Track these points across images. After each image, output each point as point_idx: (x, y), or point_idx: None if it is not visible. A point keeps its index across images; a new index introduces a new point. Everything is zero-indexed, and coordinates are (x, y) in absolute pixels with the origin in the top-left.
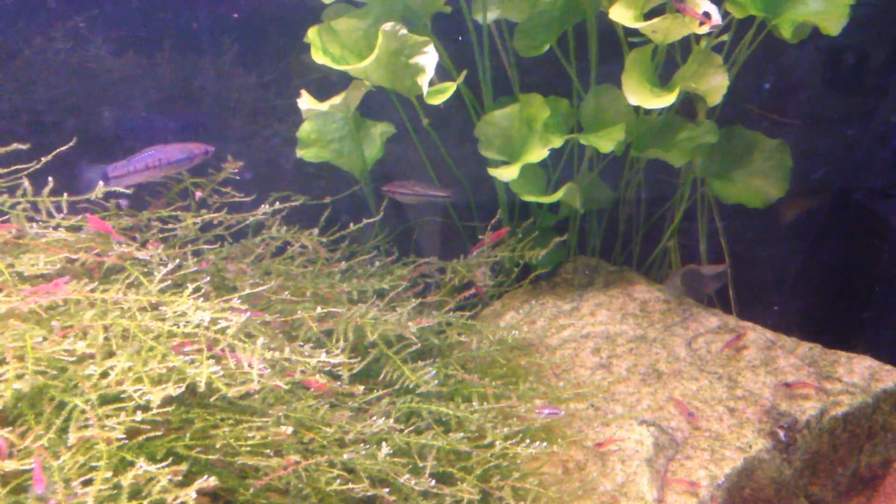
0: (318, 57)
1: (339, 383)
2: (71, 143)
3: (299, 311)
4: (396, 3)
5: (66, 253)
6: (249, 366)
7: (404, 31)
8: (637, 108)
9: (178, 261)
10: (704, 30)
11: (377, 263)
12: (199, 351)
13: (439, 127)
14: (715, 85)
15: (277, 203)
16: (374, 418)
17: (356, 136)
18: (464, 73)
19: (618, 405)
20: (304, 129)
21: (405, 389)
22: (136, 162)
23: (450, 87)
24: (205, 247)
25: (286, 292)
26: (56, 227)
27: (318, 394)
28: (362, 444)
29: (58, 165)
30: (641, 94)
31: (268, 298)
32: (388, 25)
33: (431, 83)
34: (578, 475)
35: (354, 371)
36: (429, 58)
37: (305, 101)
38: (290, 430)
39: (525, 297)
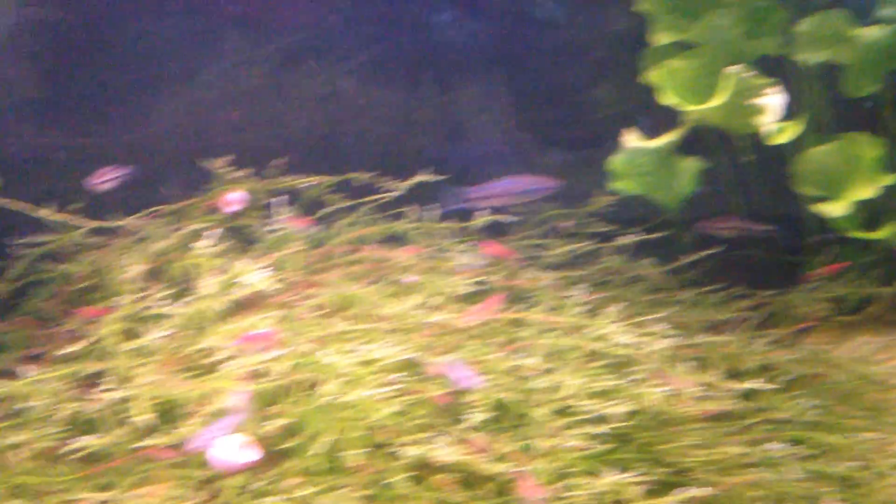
0: (665, 98)
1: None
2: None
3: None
4: (728, 45)
5: (468, 275)
6: (678, 389)
7: (747, 73)
8: None
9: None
10: None
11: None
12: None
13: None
14: None
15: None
16: (773, 444)
17: (667, 170)
18: (805, 115)
19: None
20: (616, 162)
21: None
22: (494, 188)
23: (792, 127)
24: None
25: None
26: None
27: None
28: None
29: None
30: None
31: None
32: (732, 68)
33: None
34: None
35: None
36: (774, 99)
37: (631, 139)
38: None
39: (841, 330)
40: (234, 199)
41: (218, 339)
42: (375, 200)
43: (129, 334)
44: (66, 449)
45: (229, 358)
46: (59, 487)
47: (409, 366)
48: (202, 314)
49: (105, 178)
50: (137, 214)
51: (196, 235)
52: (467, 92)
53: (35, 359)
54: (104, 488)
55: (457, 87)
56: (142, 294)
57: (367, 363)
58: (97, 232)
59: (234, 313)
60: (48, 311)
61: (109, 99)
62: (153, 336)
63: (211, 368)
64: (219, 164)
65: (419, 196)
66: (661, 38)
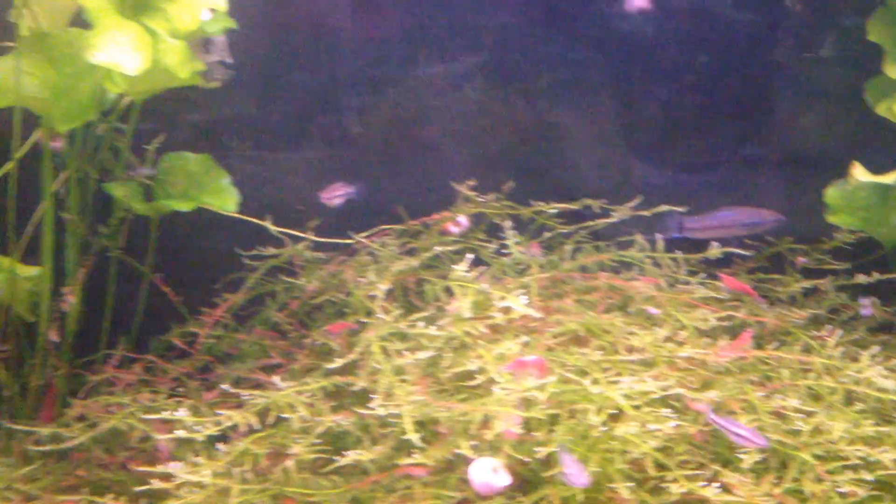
0: None
1: None
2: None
3: None
4: None
5: (711, 308)
6: None
7: None
8: None
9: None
10: None
11: None
12: None
13: None
14: None
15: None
16: None
17: (887, 204)
18: None
19: None
20: (830, 196)
21: None
22: (712, 219)
23: None
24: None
25: None
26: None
27: None
28: None
29: None
30: None
31: None
32: None
33: None
34: None
35: None
36: None
37: (860, 173)
38: None
39: None
40: (461, 220)
41: (479, 363)
42: (592, 226)
43: (386, 352)
44: (331, 462)
45: (489, 381)
46: (320, 498)
47: (665, 400)
48: (458, 336)
49: (336, 194)
50: (366, 232)
51: (433, 257)
52: (676, 115)
53: (272, 369)
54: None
55: (660, 110)
56: (389, 313)
57: (632, 395)
58: (322, 247)
59: (483, 337)
60: (281, 323)
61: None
62: (415, 356)
63: (473, 391)
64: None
65: (633, 223)
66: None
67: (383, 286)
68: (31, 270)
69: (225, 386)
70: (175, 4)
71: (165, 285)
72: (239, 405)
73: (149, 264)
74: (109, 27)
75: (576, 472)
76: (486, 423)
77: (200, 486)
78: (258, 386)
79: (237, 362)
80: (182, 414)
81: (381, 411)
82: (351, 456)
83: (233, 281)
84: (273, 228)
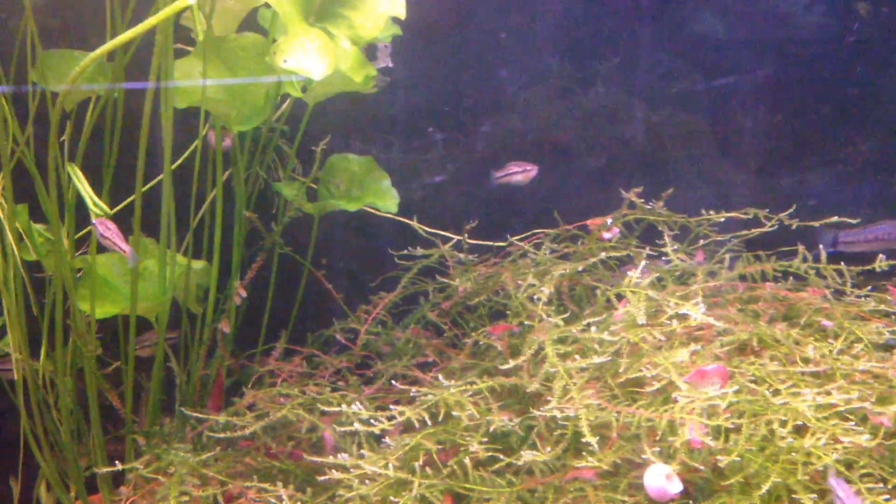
0: None
1: None
2: None
3: None
4: None
5: (884, 322)
6: None
7: None
8: None
9: None
10: None
11: None
12: None
13: None
14: None
15: None
16: None
17: None
18: None
19: None
20: None
21: None
22: (868, 232)
23: None
24: None
25: None
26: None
27: None
28: None
29: None
30: None
31: None
32: None
33: None
34: None
35: None
36: None
37: None
38: None
39: None
40: (611, 225)
41: (654, 370)
42: (747, 235)
43: (560, 356)
44: (496, 460)
45: (665, 388)
46: (496, 496)
47: (842, 413)
48: (626, 342)
49: (510, 172)
50: (518, 236)
51: (593, 263)
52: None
53: (427, 367)
54: None
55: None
56: (553, 316)
57: (816, 407)
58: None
59: (653, 344)
60: (434, 322)
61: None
62: (589, 361)
63: (649, 397)
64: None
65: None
66: None
67: (546, 289)
68: (198, 264)
69: (393, 382)
70: (358, 12)
71: (328, 282)
72: (397, 401)
73: (309, 261)
74: (297, 34)
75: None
76: (657, 429)
77: (373, 477)
78: (415, 382)
79: (393, 359)
80: (357, 408)
81: (556, 413)
82: (526, 456)
83: (384, 279)
84: (420, 228)
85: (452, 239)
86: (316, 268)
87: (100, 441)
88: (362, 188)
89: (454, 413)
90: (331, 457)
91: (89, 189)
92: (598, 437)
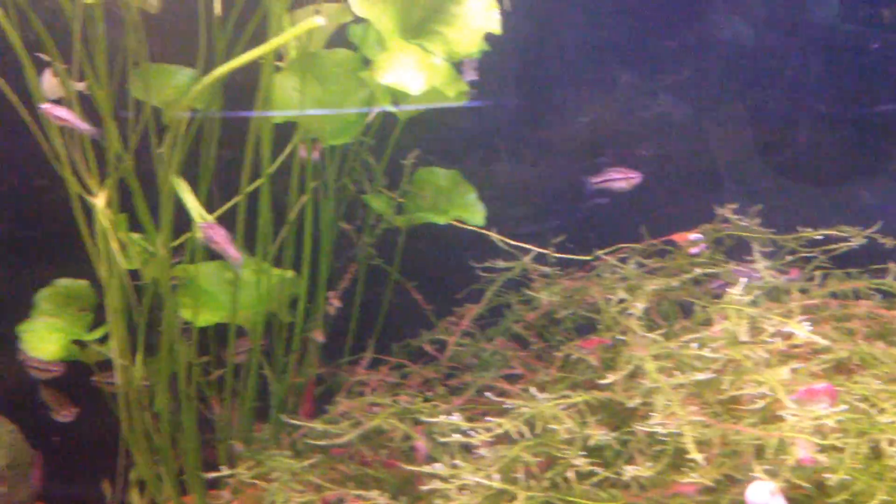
0: None
1: None
2: None
3: None
4: None
5: None
6: None
7: None
8: None
9: None
10: None
11: None
12: None
13: None
14: None
15: None
16: None
17: None
18: None
19: None
20: None
21: None
22: None
23: None
24: None
25: None
26: None
27: None
28: None
29: None
30: None
31: None
32: None
33: None
34: None
35: None
36: None
37: None
38: None
39: None
40: (696, 239)
41: (759, 388)
42: (834, 249)
43: (662, 371)
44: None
45: (770, 406)
46: None
47: None
48: (725, 359)
49: (607, 178)
50: (604, 250)
51: (688, 279)
52: None
53: (514, 379)
54: None
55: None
56: (645, 331)
57: None
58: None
59: (755, 362)
60: (520, 335)
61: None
62: (692, 377)
63: (752, 415)
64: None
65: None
66: None
67: (640, 304)
68: (288, 273)
69: (486, 394)
70: (453, 28)
71: (416, 293)
72: (485, 412)
73: (395, 273)
74: (395, 50)
75: None
76: (764, 446)
77: (473, 488)
78: (502, 394)
79: (480, 370)
80: (456, 418)
81: (658, 429)
82: (630, 471)
83: (455, 289)
84: (501, 240)
85: (533, 252)
86: (387, 282)
87: (195, 446)
88: (449, 201)
89: (551, 426)
90: (427, 466)
91: (194, 200)
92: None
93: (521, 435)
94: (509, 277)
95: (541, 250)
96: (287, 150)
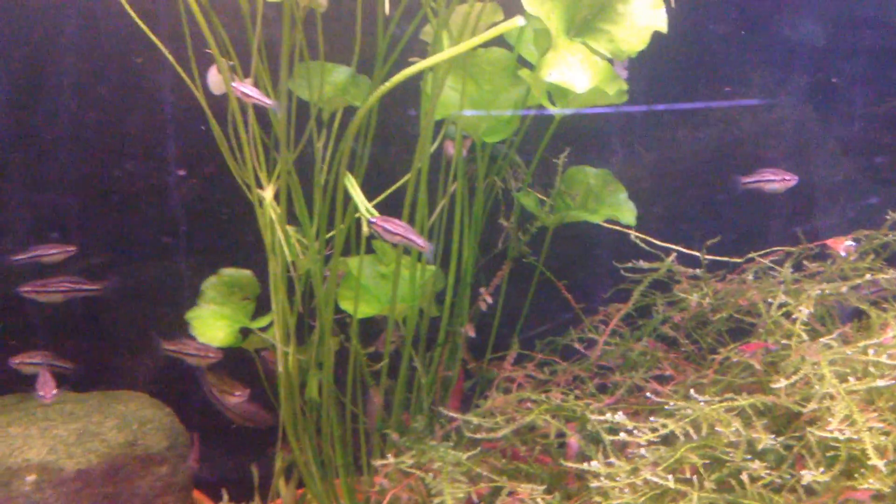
0: None
1: None
2: None
3: None
4: None
5: None
6: None
7: None
8: None
9: None
10: None
11: None
12: None
13: None
14: None
15: None
16: None
17: None
18: None
19: None
20: None
21: None
22: None
23: None
24: None
25: None
26: None
27: None
28: None
29: None
30: None
31: None
32: None
33: None
34: None
35: None
36: None
37: None
38: None
39: None
40: (853, 247)
41: None
42: None
43: (839, 377)
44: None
45: None
46: None
47: None
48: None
49: (761, 179)
50: (755, 253)
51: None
52: None
53: (663, 380)
54: None
55: None
56: (818, 337)
57: None
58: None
59: None
60: (668, 336)
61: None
62: (871, 383)
63: None
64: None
65: None
66: None
67: (805, 309)
68: (430, 269)
69: (648, 394)
70: (619, 27)
71: (567, 292)
72: (635, 412)
73: (539, 271)
74: (561, 48)
75: None
76: None
77: (635, 487)
78: (653, 395)
79: (628, 370)
80: (621, 417)
81: (837, 434)
82: (807, 476)
83: (613, 290)
84: (643, 238)
85: (677, 253)
86: (525, 280)
87: (343, 433)
88: (598, 201)
89: (718, 429)
90: (580, 464)
91: (361, 195)
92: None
93: (688, 436)
94: (653, 279)
95: (688, 251)
96: (434, 146)
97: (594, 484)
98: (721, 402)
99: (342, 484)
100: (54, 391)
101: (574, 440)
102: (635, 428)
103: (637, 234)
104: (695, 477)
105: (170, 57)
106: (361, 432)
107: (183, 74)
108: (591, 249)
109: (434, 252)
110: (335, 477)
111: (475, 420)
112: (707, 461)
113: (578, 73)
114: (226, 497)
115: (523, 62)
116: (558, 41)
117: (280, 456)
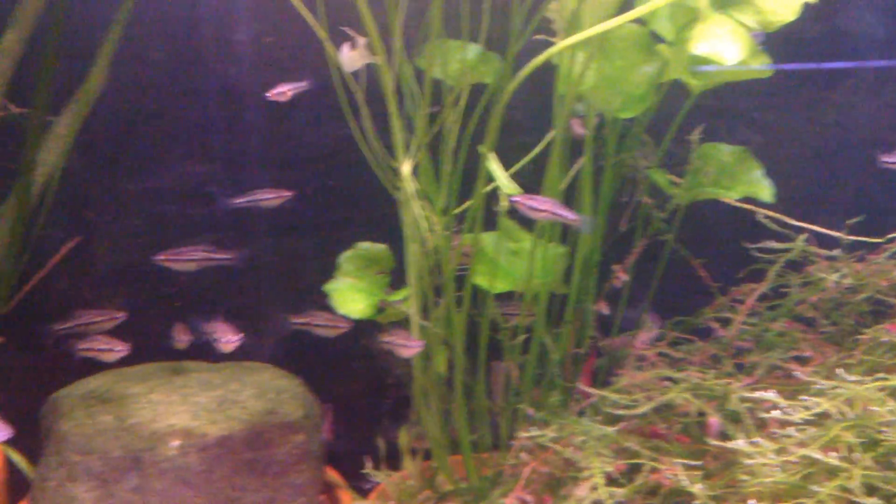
0: None
1: None
2: None
3: None
4: None
5: None
6: None
7: None
8: None
9: None
10: None
11: None
12: None
13: None
14: None
15: None
16: None
17: None
18: None
19: None
20: None
21: None
22: None
23: None
24: None
25: None
26: None
27: None
28: None
29: None
30: None
31: None
32: None
33: None
34: None
35: None
36: None
37: None
38: None
39: None
40: None
41: None
42: None
43: None
44: None
45: None
46: None
47: None
48: None
49: None
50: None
51: None
52: None
53: (803, 361)
54: None
55: None
56: None
57: None
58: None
59: None
60: (805, 316)
61: None
62: None
63: None
64: None
65: None
66: None
67: None
68: (559, 248)
69: (797, 373)
70: None
71: (703, 270)
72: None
73: (669, 249)
74: (710, 20)
75: None
76: None
77: (785, 467)
78: (790, 376)
79: (765, 350)
80: (773, 395)
81: None
82: None
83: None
84: (764, 216)
85: (809, 232)
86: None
87: (471, 409)
88: (732, 178)
89: (872, 407)
90: (736, 442)
91: (502, 170)
92: None
93: (840, 415)
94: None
95: (826, 231)
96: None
97: (747, 462)
98: (874, 381)
99: (466, 458)
100: (236, 337)
101: (715, 419)
102: (788, 406)
103: (767, 212)
104: (854, 454)
105: (322, 32)
106: (486, 408)
107: (330, 50)
108: (713, 229)
109: (588, 223)
110: (463, 452)
111: (613, 396)
112: (862, 440)
113: (728, 44)
114: (368, 465)
115: (655, 38)
116: (706, 13)
117: (407, 429)
